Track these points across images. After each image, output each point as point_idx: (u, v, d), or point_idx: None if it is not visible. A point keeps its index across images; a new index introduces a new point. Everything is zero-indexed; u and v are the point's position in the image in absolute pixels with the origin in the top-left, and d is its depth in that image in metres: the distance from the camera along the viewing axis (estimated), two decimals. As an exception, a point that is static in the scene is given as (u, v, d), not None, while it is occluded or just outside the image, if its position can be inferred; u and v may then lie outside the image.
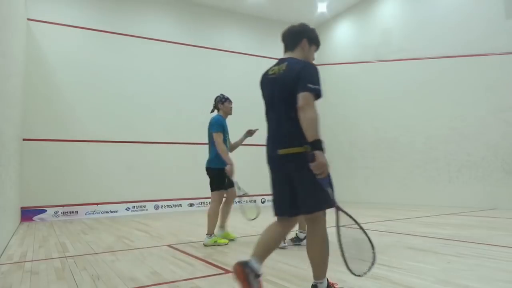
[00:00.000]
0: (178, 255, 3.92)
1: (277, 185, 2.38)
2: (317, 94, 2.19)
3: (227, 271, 3.12)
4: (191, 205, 10.17)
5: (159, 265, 3.43)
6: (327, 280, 2.32)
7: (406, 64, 9.78)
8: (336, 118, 11.22)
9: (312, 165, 2.06)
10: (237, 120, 11.15)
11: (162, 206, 9.73)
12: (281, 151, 2.23)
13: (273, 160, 2.33)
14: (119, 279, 3.00)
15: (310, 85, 2.16)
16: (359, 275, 2.07)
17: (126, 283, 2.86)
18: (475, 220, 6.13)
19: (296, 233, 4.48)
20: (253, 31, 11.95)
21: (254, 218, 4.65)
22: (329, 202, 2.17)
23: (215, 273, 3.09)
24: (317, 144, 2.09)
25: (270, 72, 2.43)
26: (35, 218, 8.21)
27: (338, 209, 2.18)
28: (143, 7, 10.21)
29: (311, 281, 2.75)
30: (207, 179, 11.95)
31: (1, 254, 4.26)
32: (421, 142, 9.17)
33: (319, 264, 2.24)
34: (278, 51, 12.00)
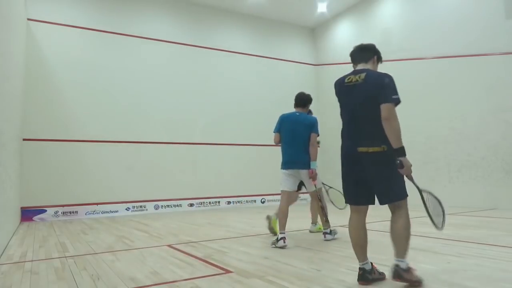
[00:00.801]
0: (178, 255, 3.92)
1: (353, 179, 2.69)
2: (398, 103, 2.58)
3: (227, 271, 3.12)
4: (191, 205, 10.17)
5: (159, 265, 3.43)
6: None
7: (406, 64, 9.77)
8: (335, 118, 11.19)
9: (401, 170, 2.50)
10: (238, 120, 11.19)
11: (162, 206, 9.73)
12: (361, 149, 2.58)
13: (351, 156, 2.66)
14: (119, 279, 3.00)
15: (394, 96, 2.54)
16: (440, 228, 2.67)
17: (126, 283, 2.86)
18: (475, 220, 6.13)
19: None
20: (253, 31, 11.95)
21: (343, 208, 4.58)
22: (405, 192, 2.61)
23: (215, 273, 3.08)
24: (401, 152, 2.48)
25: (347, 81, 2.73)
26: (35, 218, 8.21)
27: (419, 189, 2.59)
28: (143, 7, 10.21)
29: (311, 281, 2.76)
30: (206, 179, 11.91)
31: (1, 254, 4.26)
32: (421, 142, 9.16)
33: (406, 243, 2.55)
34: (278, 51, 12.09)
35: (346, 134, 2.72)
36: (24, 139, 8.17)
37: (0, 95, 4.23)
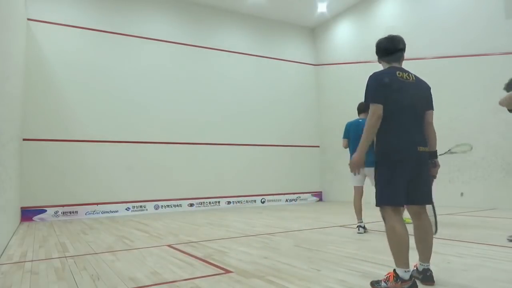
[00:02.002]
0: (178, 255, 3.92)
1: (405, 179, 2.53)
2: None
3: (227, 271, 3.12)
4: (191, 205, 10.17)
5: (159, 265, 3.43)
6: None
7: (406, 64, 9.69)
8: (335, 118, 11.21)
9: (435, 170, 2.67)
10: (238, 120, 11.18)
11: (162, 206, 9.73)
12: (421, 148, 2.55)
13: (410, 155, 2.52)
14: (119, 279, 3.00)
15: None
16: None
17: (126, 283, 2.85)
18: (475, 220, 6.13)
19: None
20: (253, 31, 11.95)
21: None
22: None
23: (215, 273, 3.08)
24: (437, 153, 2.72)
25: (399, 75, 2.63)
26: (35, 218, 8.21)
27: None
28: (143, 7, 10.21)
29: (311, 281, 2.75)
30: (206, 179, 11.91)
31: (1, 254, 4.26)
32: (421, 142, 9.16)
33: (432, 246, 2.63)
34: (278, 51, 12.09)
35: (403, 130, 2.53)
36: (24, 139, 8.17)
37: (0, 95, 4.23)
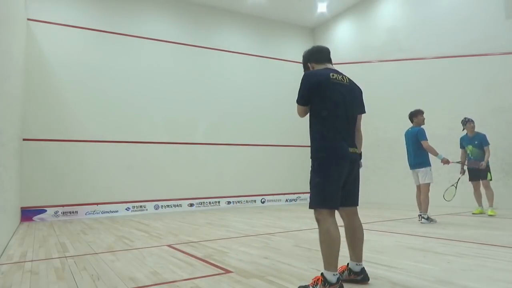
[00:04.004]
0: (178, 255, 3.92)
1: (341, 181, 2.52)
2: None
3: (227, 271, 3.12)
4: (191, 205, 10.17)
5: (159, 265, 3.43)
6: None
7: (406, 64, 9.76)
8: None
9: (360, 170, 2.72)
10: (237, 120, 11.18)
11: (162, 206, 9.73)
12: (352, 150, 2.58)
13: (346, 157, 2.52)
14: (119, 279, 3.00)
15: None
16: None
17: (126, 283, 2.86)
18: (475, 220, 6.13)
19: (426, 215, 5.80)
20: (253, 31, 11.95)
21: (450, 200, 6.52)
22: None
23: (215, 273, 3.08)
24: (361, 154, 2.80)
25: (332, 77, 2.59)
26: (35, 218, 8.21)
27: None
28: (143, 7, 10.21)
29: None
30: (206, 179, 11.93)
31: (1, 254, 4.26)
32: (421, 142, 9.16)
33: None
34: (278, 51, 12.08)
35: (338, 133, 2.52)
36: (24, 139, 8.18)
37: (0, 95, 4.23)
